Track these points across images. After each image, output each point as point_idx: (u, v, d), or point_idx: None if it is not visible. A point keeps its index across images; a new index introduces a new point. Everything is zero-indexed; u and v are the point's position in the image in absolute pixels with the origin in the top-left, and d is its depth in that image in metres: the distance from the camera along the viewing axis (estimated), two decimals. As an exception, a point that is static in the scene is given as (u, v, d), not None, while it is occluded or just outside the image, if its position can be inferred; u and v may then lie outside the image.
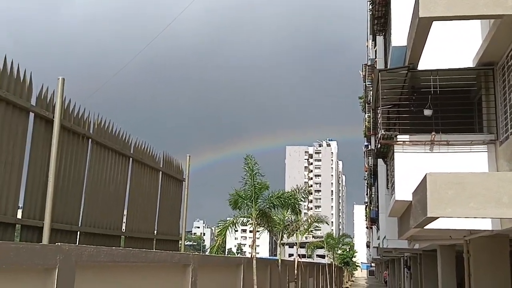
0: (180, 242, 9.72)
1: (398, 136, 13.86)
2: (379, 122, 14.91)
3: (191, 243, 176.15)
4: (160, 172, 8.86)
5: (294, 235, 20.93)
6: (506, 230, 10.62)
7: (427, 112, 13.66)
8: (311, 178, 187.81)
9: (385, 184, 19.80)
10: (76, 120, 6.10)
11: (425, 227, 12.11)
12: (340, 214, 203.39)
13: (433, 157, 13.45)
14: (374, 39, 24.99)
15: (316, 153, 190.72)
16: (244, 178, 12.69)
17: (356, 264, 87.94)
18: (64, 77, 5.81)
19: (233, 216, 13.48)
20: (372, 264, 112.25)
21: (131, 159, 7.66)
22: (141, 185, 8.06)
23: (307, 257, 47.42)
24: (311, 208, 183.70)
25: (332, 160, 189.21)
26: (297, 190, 15.81)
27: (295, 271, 19.79)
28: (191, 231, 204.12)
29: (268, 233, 14.64)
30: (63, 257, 4.97)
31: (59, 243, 4.56)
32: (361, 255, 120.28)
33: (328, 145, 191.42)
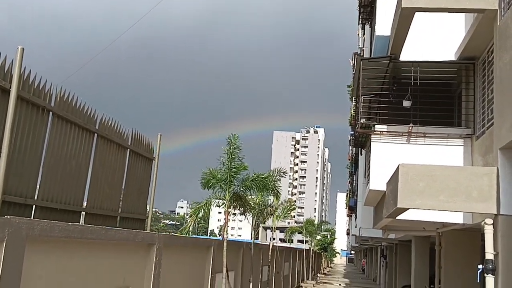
0: (147, 221, 9.63)
1: (376, 126, 13.85)
2: (358, 111, 14.89)
3: (174, 222, 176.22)
4: (128, 149, 8.73)
5: (276, 219, 20.99)
6: (477, 224, 10.68)
7: (406, 103, 13.65)
8: (297, 164, 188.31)
9: (363, 173, 19.84)
10: (36, 91, 5.95)
11: (398, 218, 12.19)
12: (324, 201, 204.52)
13: (409, 149, 13.47)
14: (363, 28, 24.91)
15: (303, 139, 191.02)
16: (222, 158, 12.57)
17: (335, 251, 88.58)
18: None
19: (208, 197, 13.39)
20: (352, 252, 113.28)
21: (96, 134, 7.53)
22: (106, 161, 7.93)
23: (288, 242, 47.66)
24: (295, 194, 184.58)
25: (318, 147, 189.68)
26: (275, 172, 15.74)
27: (269, 255, 19.82)
28: (174, 211, 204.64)
29: (244, 216, 14.55)
30: (12, 230, 4.87)
31: (8, 216, 4.45)
32: (342, 243, 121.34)
33: (316, 132, 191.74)
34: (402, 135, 13.52)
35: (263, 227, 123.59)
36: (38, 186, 6.13)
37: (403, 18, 11.46)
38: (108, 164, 8.00)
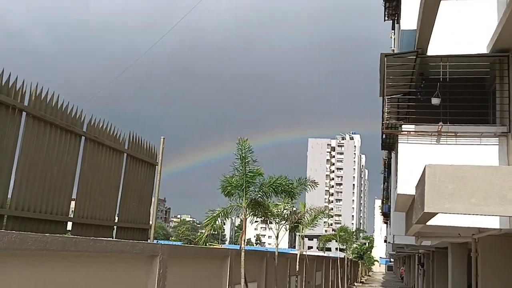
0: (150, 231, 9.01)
1: (403, 126, 13.00)
2: (384, 110, 14.03)
3: (212, 232, 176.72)
4: (125, 154, 8.12)
5: (305, 227, 20.19)
6: (515, 229, 9.77)
7: (435, 101, 12.76)
8: (333, 171, 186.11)
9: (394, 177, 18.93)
10: (5, 89, 5.38)
11: (429, 224, 11.35)
12: (362, 208, 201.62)
13: (439, 149, 12.58)
14: (393, 28, 24.01)
15: (338, 146, 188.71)
16: (235, 164, 11.89)
17: (374, 259, 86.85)
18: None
19: (227, 205, 12.73)
20: (391, 260, 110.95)
21: (83, 137, 6.95)
22: (98, 167, 7.34)
23: (322, 250, 46.63)
24: (332, 201, 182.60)
25: (355, 153, 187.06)
26: (302, 179, 15.02)
27: (297, 264, 18.99)
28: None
29: (266, 224, 13.84)
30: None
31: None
32: (381, 250, 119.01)
33: (351, 138, 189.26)
34: (431, 135, 12.64)
35: (300, 235, 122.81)
36: (10, 194, 5.55)
37: (428, 8, 10.66)
38: (100, 169, 7.40)
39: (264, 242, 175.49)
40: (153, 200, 8.92)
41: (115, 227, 7.94)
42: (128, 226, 8.23)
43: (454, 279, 20.67)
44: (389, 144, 15.61)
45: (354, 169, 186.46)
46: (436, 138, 12.58)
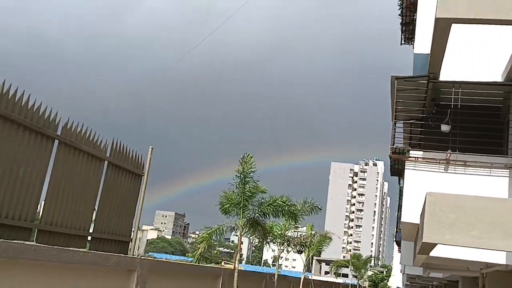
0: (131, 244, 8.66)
1: (410, 152, 12.55)
2: (392, 135, 13.59)
3: (228, 250, 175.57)
4: (105, 161, 7.84)
5: (311, 251, 19.69)
6: (523, 266, 9.23)
7: (445, 128, 12.31)
8: (354, 197, 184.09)
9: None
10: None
11: (436, 255, 10.87)
12: (382, 236, 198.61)
13: (447, 178, 12.10)
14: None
15: (361, 171, 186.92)
16: (234, 181, 11.57)
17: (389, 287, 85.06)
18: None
19: (222, 222, 12.40)
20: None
21: (56, 141, 6.68)
22: (73, 172, 7.05)
23: (339, 276, 45.77)
24: (352, 227, 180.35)
25: (377, 180, 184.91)
26: (306, 203, 14.62)
27: (300, 289, 18.45)
28: (229, 239, 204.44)
29: (263, 244, 13.43)
30: None
31: None
32: (398, 280, 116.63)
33: (375, 164, 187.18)
34: (439, 162, 12.16)
35: (316, 259, 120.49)
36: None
37: (440, 31, 10.29)
38: (76, 176, 7.11)
39: (281, 264, 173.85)
40: (136, 212, 8.61)
41: (89, 237, 7.63)
42: (105, 238, 7.91)
43: (465, 315, 19.87)
44: (398, 170, 15.14)
45: (376, 195, 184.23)
46: (444, 166, 12.11)
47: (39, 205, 6.45)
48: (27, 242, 5.66)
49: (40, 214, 6.65)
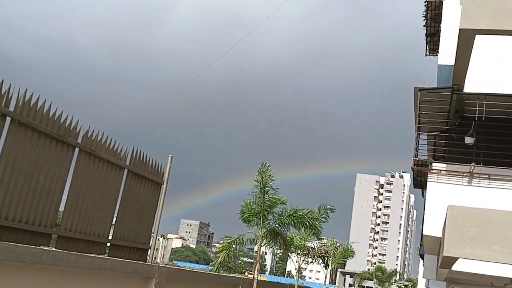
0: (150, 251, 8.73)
1: (433, 164, 12.41)
2: (416, 147, 13.45)
3: (251, 260, 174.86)
4: (125, 169, 7.94)
5: (332, 262, 19.52)
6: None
7: (468, 140, 12.15)
8: (380, 209, 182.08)
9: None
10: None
11: (458, 270, 10.72)
12: (407, 249, 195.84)
13: (470, 191, 11.93)
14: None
15: (387, 183, 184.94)
16: (254, 191, 11.57)
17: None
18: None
19: (242, 232, 12.40)
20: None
21: (77, 149, 6.80)
22: (93, 180, 7.15)
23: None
24: (377, 240, 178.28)
25: (403, 192, 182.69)
26: (321, 209, 14.53)
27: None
28: (252, 249, 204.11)
29: (285, 255, 13.36)
30: None
31: None
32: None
33: (401, 176, 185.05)
34: (463, 175, 11.99)
35: (341, 272, 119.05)
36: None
37: (463, 42, 10.21)
38: (95, 183, 7.21)
39: (305, 276, 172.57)
40: (155, 220, 8.69)
41: (108, 244, 7.72)
42: (124, 245, 7.99)
43: (489, 332, 19.40)
44: (421, 183, 14.96)
45: (402, 208, 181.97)
46: (467, 179, 11.93)
47: (58, 211, 6.56)
48: (46, 248, 5.76)
49: (60, 220, 6.76)
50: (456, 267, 10.43)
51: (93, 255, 6.49)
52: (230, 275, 12.92)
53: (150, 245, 8.71)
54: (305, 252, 15.88)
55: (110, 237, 7.77)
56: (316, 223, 13.23)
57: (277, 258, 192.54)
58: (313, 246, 16.46)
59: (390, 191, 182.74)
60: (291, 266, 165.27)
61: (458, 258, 9.13)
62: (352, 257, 20.86)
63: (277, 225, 11.91)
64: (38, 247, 5.66)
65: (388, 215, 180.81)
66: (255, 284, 11.08)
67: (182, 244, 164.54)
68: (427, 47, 17.89)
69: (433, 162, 12.32)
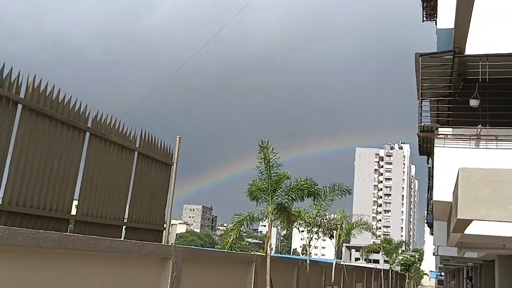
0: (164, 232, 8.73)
1: (439, 129, 12.36)
2: (420, 112, 13.39)
3: (256, 241, 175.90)
4: (135, 152, 7.91)
5: (343, 235, 19.61)
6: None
7: (473, 103, 12.09)
8: (381, 182, 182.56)
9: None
10: (-1, 80, 5.23)
11: (470, 233, 10.72)
12: (411, 220, 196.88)
13: (478, 154, 11.91)
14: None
15: (387, 155, 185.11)
16: (259, 168, 11.54)
17: (423, 272, 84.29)
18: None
19: (252, 209, 12.40)
20: (442, 274, 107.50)
21: (88, 133, 6.75)
22: (105, 163, 7.13)
23: (370, 262, 45.61)
24: (380, 213, 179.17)
25: (404, 163, 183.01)
26: (334, 187, 14.54)
27: (333, 274, 18.41)
28: (257, 229, 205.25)
29: (286, 229, 13.40)
30: None
31: None
32: (431, 264, 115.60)
33: (401, 148, 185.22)
34: (470, 138, 11.95)
35: (346, 246, 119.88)
36: (3, 188, 5.36)
37: (463, 2, 10.08)
38: (107, 167, 7.19)
39: (311, 253, 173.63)
40: (168, 201, 8.68)
41: (124, 227, 7.71)
42: (139, 227, 7.99)
43: (501, 294, 19.56)
44: (427, 149, 14.94)
45: (403, 179, 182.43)
46: (475, 141, 11.90)
47: (74, 196, 6.55)
48: (65, 233, 5.75)
49: (76, 205, 6.74)
50: (468, 230, 10.42)
51: (111, 238, 6.49)
52: (243, 252, 12.98)
53: (164, 226, 8.71)
54: (317, 225, 15.89)
55: (125, 220, 7.76)
56: (320, 192, 13.26)
57: (281, 237, 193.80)
58: (323, 220, 16.51)
59: (390, 163, 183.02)
60: (296, 244, 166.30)
61: (472, 220, 9.11)
62: (365, 229, 20.95)
63: (285, 200, 11.90)
64: (57, 232, 5.65)
65: (390, 187, 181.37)
66: (268, 259, 11.11)
67: (187, 229, 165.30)
68: (424, 13, 17.74)
69: (439, 127, 12.26)
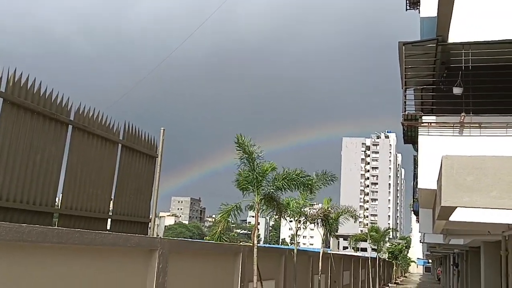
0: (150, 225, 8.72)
1: (423, 117, 12.45)
2: (402, 101, 13.47)
3: (245, 232, 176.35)
4: (119, 144, 7.87)
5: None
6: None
7: (457, 90, 12.18)
8: (368, 171, 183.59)
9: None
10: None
11: (454, 220, 10.83)
12: (398, 208, 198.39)
13: (462, 141, 12.00)
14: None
15: (373, 145, 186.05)
16: (240, 161, 11.48)
17: (410, 259, 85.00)
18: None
19: (238, 200, 12.39)
20: (429, 261, 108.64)
21: (70, 126, 6.71)
22: (88, 156, 7.09)
23: (358, 250, 45.88)
24: (367, 201, 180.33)
25: (390, 152, 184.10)
26: (319, 174, 14.54)
27: (320, 263, 18.50)
28: (245, 220, 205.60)
29: (276, 218, 13.41)
30: None
31: None
32: (418, 251, 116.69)
33: (387, 137, 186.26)
34: (453, 126, 12.04)
35: (334, 235, 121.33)
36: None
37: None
38: (91, 159, 7.15)
39: (299, 242, 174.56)
40: (153, 193, 8.66)
41: (109, 219, 7.69)
42: (124, 219, 7.97)
43: (487, 280, 19.84)
44: (411, 137, 15.04)
45: (390, 168, 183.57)
46: (458, 129, 11.99)
47: (58, 190, 6.51)
48: (50, 227, 5.72)
49: (60, 198, 6.70)
50: (452, 217, 10.52)
51: (96, 231, 6.48)
52: (230, 243, 13.00)
53: (150, 218, 8.70)
54: (305, 215, 15.94)
55: (110, 213, 7.73)
56: (311, 183, 13.21)
57: (270, 228, 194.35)
58: (311, 210, 16.58)
59: (377, 152, 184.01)
60: (285, 234, 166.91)
61: (456, 207, 9.19)
62: (356, 218, 21.04)
63: (272, 190, 11.89)
64: (40, 226, 5.62)
65: (377, 176, 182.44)
66: (255, 250, 11.13)
67: (175, 221, 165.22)
68: (407, 1, 17.77)
69: (423, 115, 12.33)
